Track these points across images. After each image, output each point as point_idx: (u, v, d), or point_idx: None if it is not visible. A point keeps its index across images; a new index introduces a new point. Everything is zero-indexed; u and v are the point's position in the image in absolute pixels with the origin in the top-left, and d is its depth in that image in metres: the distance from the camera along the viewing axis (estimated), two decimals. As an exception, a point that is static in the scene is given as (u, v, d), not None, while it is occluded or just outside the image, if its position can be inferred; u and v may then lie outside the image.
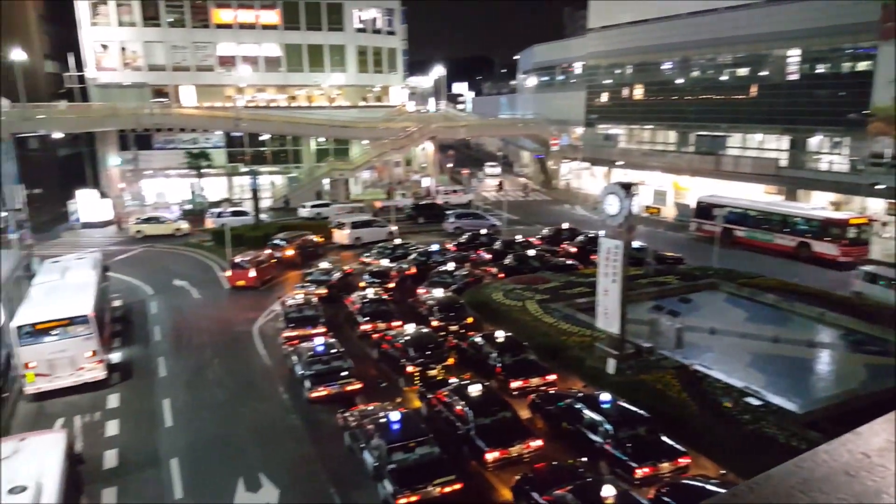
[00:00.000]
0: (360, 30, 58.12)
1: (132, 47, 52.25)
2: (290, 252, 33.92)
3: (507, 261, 31.08)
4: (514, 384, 18.27)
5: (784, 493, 1.17)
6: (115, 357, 21.77)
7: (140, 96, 51.34)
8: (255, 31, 54.41)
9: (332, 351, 19.29)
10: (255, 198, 40.99)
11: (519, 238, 35.86)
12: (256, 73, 54.87)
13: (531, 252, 32.12)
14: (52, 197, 48.20)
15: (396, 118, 59.08)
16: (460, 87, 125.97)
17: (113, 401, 18.76)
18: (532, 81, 76.47)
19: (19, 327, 18.46)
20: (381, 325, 22.90)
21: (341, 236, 38.52)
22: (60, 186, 48.82)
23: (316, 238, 36.78)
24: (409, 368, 19.20)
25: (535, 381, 18.43)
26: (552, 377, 18.68)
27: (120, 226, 44.05)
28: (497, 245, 34.37)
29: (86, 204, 44.82)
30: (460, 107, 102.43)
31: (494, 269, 30.59)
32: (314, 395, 18.02)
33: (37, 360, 18.43)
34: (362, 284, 27.83)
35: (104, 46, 51.26)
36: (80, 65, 50.23)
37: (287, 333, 22.18)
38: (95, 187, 48.98)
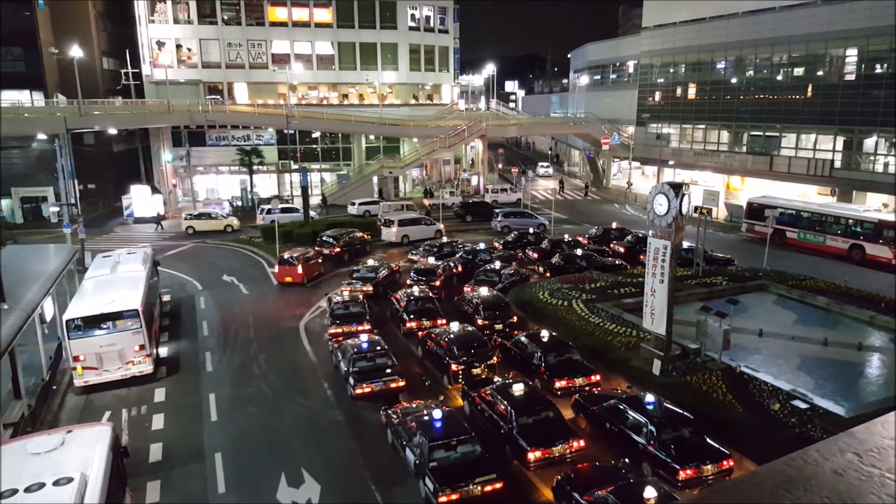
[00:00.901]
0: (412, 28, 58.13)
1: (187, 44, 53.64)
2: (337, 249, 33.99)
3: (553, 260, 30.42)
4: (558, 384, 17.96)
5: (768, 491, 1.14)
6: (163, 351, 22.09)
7: (194, 93, 52.70)
8: (309, 29, 55.05)
9: (377, 348, 19.09)
10: (305, 195, 41.35)
11: (567, 237, 35.16)
12: (309, 71, 55.61)
13: (578, 251, 31.38)
14: (106, 192, 50.02)
15: (447, 116, 58.86)
16: (511, 86, 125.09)
17: (159, 395, 18.95)
18: (584, 80, 75.17)
19: (69, 320, 18.75)
20: (426, 323, 22.69)
21: (389, 234, 38.46)
22: (114, 182, 50.57)
23: (364, 235, 36.78)
24: (453, 367, 18.87)
25: (579, 380, 18.12)
26: (597, 377, 18.35)
27: (159, 222, 44.45)
28: (544, 244, 33.69)
29: (138, 199, 45.96)
30: (511, 105, 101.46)
31: (541, 269, 29.99)
32: (358, 391, 17.85)
33: (86, 353, 18.68)
34: (408, 282, 27.61)
35: (160, 44, 52.76)
36: (136, 62, 51.81)
37: (332, 330, 22.13)
38: (148, 183, 50.38)
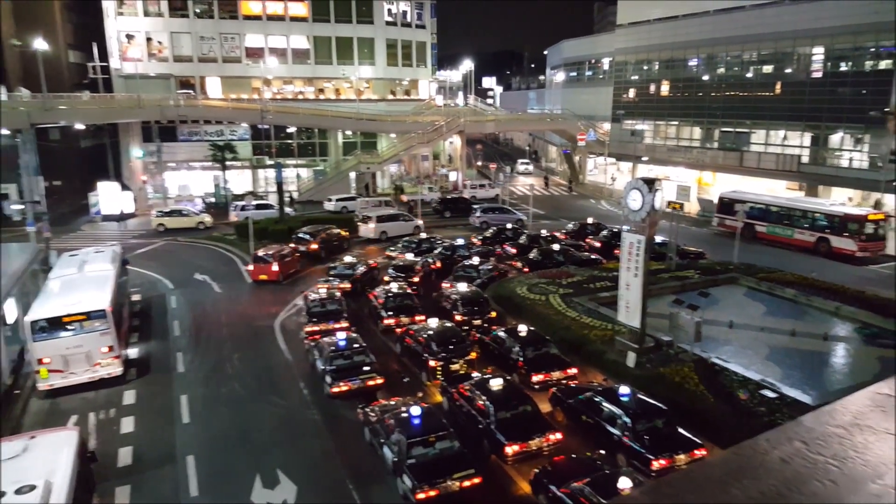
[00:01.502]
0: (389, 23, 57.76)
1: (158, 38, 52.43)
2: (314, 246, 33.66)
3: (531, 255, 30.53)
4: (536, 378, 18.04)
5: (718, 480, 1.17)
6: (133, 352, 21.57)
7: (165, 88, 51.59)
8: (284, 23, 54.35)
9: (355, 346, 18.89)
10: (280, 191, 40.86)
11: (544, 232, 35.33)
12: (284, 66, 54.86)
13: (556, 246, 31.52)
14: (73, 189, 48.57)
15: (425, 112, 58.66)
16: (489, 82, 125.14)
17: (129, 397, 18.50)
18: (560, 76, 75.55)
19: (33, 322, 18.11)
20: (405, 320, 22.55)
21: (367, 230, 38.22)
22: (81, 178, 49.16)
23: (341, 232, 36.49)
24: (432, 363, 18.79)
25: (556, 374, 18.27)
26: (573, 370, 18.51)
27: (123, 219, 43.46)
28: (522, 239, 33.81)
29: (106, 196, 44.85)
30: (489, 101, 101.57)
31: (519, 264, 30.08)
32: (335, 390, 17.66)
33: (51, 355, 18.07)
34: (386, 279, 27.45)
35: (129, 37, 51.46)
36: (104, 55, 50.40)
37: (309, 328, 21.85)
38: (117, 179, 49.25)
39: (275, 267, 29.14)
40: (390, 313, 22.94)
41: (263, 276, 29.16)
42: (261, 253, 29.91)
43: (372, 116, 54.45)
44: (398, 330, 21.80)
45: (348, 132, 56.46)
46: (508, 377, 17.20)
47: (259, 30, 53.92)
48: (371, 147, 56.98)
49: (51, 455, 11.09)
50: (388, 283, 26.28)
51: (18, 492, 9.73)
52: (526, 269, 28.97)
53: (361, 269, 28.37)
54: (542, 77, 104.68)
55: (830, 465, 1.20)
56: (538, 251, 30.81)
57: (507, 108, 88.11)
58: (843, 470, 1.18)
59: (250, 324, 24.24)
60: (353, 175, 54.39)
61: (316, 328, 21.67)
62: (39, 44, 40.07)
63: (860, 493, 1.11)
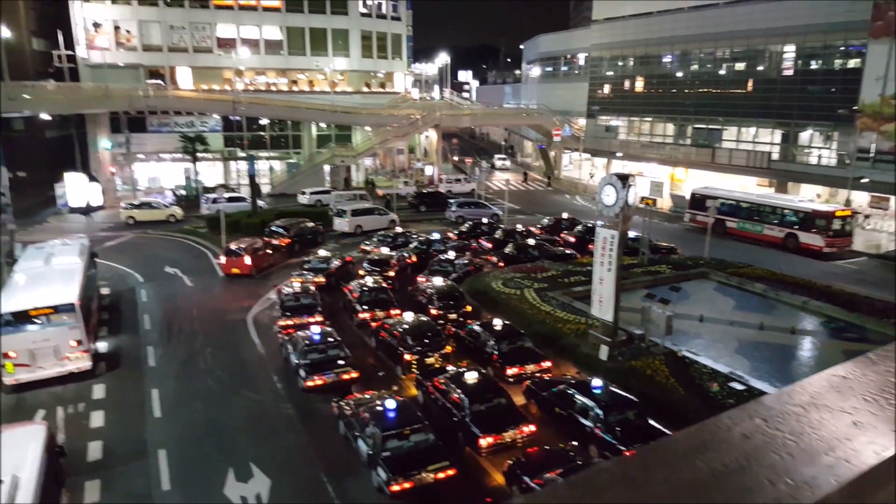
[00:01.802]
0: (364, 14, 57.27)
1: (126, 26, 51.27)
2: (287, 240, 33.33)
3: (507, 250, 30.70)
4: (510, 371, 18.18)
5: (682, 454, 1.23)
6: (102, 346, 21.17)
7: (134, 77, 50.44)
8: (257, 13, 53.60)
9: (329, 340, 18.78)
10: (253, 184, 40.31)
11: (520, 227, 35.53)
12: (256, 56, 54.11)
13: (531, 241, 31.75)
14: (38, 180, 47.05)
15: (400, 105, 58.41)
16: (465, 76, 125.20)
17: (98, 391, 18.15)
18: (536, 71, 75.84)
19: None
20: (380, 314, 22.46)
21: (342, 224, 37.97)
22: (47, 169, 47.64)
23: (316, 225, 36.19)
24: (407, 357, 18.81)
25: (530, 367, 18.41)
26: (547, 364, 18.70)
27: (88, 213, 42.46)
28: (498, 234, 33.96)
29: (73, 188, 43.68)
30: (465, 95, 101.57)
31: (495, 258, 30.23)
32: (309, 384, 17.56)
33: (17, 349, 17.69)
34: (362, 273, 27.34)
35: (96, 25, 50.19)
36: (70, 44, 48.79)
37: (282, 322, 21.69)
38: (85, 171, 47.99)
39: (247, 260, 28.79)
40: (365, 307, 22.85)
41: (236, 270, 28.78)
42: (233, 246, 29.52)
43: (347, 109, 54.07)
44: (373, 324, 21.76)
45: (322, 125, 55.97)
46: (483, 371, 17.31)
47: (231, 19, 53.08)
48: (345, 140, 56.55)
49: (18, 450, 10.88)
50: (363, 277, 26.17)
51: None
52: (501, 264, 29.14)
53: (336, 262, 28.20)
54: (517, 72, 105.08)
55: (788, 440, 1.28)
56: (513, 246, 30.99)
57: (483, 103, 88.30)
58: (800, 444, 1.27)
59: (223, 318, 23.95)
60: (327, 168, 53.96)
61: (290, 322, 21.51)
62: (1, 31, 38.70)
63: (815, 465, 1.20)
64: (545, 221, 37.93)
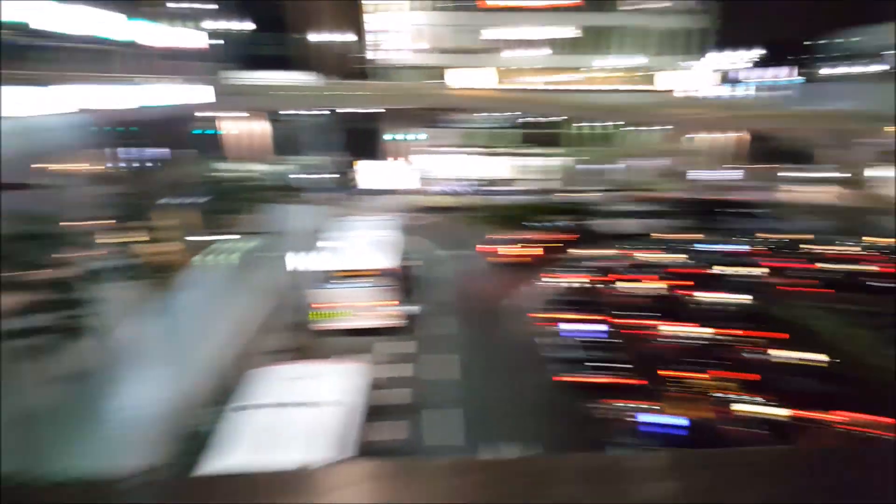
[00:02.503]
0: (661, 10, 55.27)
1: (421, 30, 55.94)
2: (570, 235, 34.45)
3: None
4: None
5: None
6: (413, 309, 24.22)
7: (421, 77, 55.32)
8: (553, 14, 55.08)
9: (604, 339, 19.03)
10: (541, 180, 42.03)
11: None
12: (550, 56, 55.75)
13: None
14: (344, 166, 54.91)
15: (698, 104, 55.27)
16: (781, 72, 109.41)
17: (409, 347, 21.27)
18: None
19: (328, 273, 22.08)
20: (663, 324, 21.16)
21: (628, 225, 37.51)
22: (350, 156, 54.39)
23: (595, 223, 36.62)
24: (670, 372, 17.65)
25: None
26: None
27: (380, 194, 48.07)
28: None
29: (363, 173, 50.95)
30: (781, 93, 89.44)
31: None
32: (567, 379, 17.82)
33: (346, 302, 21.64)
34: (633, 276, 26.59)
35: (395, 29, 55.75)
36: (362, 46, 55.49)
37: (554, 315, 22.05)
38: (383, 159, 54.62)
39: (522, 251, 31.31)
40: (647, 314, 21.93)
41: (511, 259, 31.25)
42: (511, 237, 32.24)
43: (636, 107, 52.91)
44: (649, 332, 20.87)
45: (608, 123, 55.54)
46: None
47: (524, 21, 55.16)
48: (601, 140, 55.79)
49: (345, 380, 13.28)
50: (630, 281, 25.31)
51: (317, 405, 11.83)
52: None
53: (611, 262, 27.87)
54: (854, 69, 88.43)
55: None
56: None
57: (803, 102, 76.31)
58: None
59: (503, 300, 25.87)
60: (604, 167, 53.59)
61: (562, 315, 21.57)
62: (318, 35, 45.83)
63: None
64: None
